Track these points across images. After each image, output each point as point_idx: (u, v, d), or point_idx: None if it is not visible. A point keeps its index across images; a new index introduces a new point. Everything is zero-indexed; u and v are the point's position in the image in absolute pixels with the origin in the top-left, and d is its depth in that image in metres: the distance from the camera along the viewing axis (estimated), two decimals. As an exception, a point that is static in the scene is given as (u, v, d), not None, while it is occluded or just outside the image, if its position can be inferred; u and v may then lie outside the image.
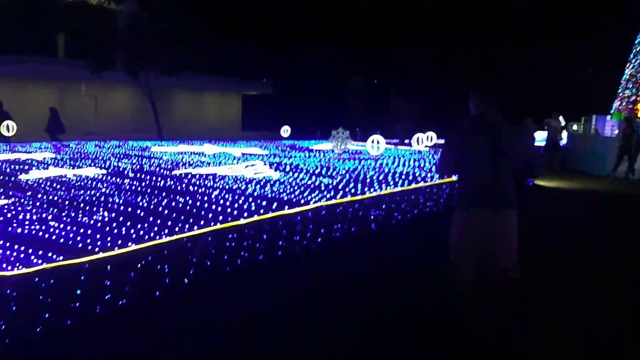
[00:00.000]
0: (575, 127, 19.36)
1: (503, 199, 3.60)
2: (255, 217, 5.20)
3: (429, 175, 8.88)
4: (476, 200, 3.62)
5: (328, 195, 6.55)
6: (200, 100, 31.80)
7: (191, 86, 29.49)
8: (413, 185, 7.78)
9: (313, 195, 6.57)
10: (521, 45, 50.66)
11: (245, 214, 5.28)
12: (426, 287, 4.93)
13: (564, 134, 17.49)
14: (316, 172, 9.05)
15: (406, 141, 19.23)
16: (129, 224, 4.83)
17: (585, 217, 8.94)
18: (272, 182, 7.58)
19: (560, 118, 16.62)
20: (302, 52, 37.10)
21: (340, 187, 7.28)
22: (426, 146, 16.74)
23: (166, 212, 5.40)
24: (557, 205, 10.23)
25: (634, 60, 17.60)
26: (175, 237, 4.42)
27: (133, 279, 4.01)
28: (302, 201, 6.12)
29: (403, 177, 8.55)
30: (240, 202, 5.99)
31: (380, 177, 8.39)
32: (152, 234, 4.47)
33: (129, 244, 4.15)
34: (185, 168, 9.24)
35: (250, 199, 6.16)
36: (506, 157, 3.58)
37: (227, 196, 6.36)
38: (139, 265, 4.07)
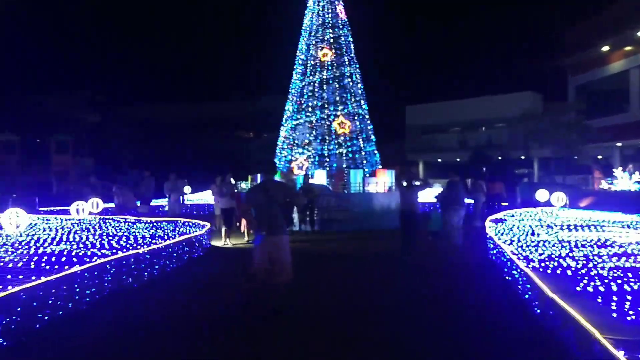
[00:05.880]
0: (243, 184, 20.78)
1: (276, 226, 6.38)
2: None
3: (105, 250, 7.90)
4: (262, 226, 6.36)
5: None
6: None
7: None
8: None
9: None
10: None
11: None
12: None
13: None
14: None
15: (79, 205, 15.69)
16: None
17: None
18: None
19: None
20: None
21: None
22: (91, 213, 14.85)
23: None
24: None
25: (286, 124, 20.20)
26: None
27: None
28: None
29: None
30: None
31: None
32: None
33: None
34: None
35: None
36: (275, 201, 6.41)
37: None
38: None
